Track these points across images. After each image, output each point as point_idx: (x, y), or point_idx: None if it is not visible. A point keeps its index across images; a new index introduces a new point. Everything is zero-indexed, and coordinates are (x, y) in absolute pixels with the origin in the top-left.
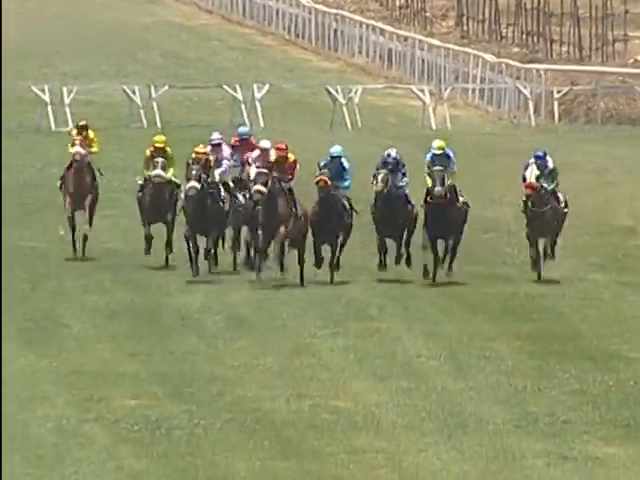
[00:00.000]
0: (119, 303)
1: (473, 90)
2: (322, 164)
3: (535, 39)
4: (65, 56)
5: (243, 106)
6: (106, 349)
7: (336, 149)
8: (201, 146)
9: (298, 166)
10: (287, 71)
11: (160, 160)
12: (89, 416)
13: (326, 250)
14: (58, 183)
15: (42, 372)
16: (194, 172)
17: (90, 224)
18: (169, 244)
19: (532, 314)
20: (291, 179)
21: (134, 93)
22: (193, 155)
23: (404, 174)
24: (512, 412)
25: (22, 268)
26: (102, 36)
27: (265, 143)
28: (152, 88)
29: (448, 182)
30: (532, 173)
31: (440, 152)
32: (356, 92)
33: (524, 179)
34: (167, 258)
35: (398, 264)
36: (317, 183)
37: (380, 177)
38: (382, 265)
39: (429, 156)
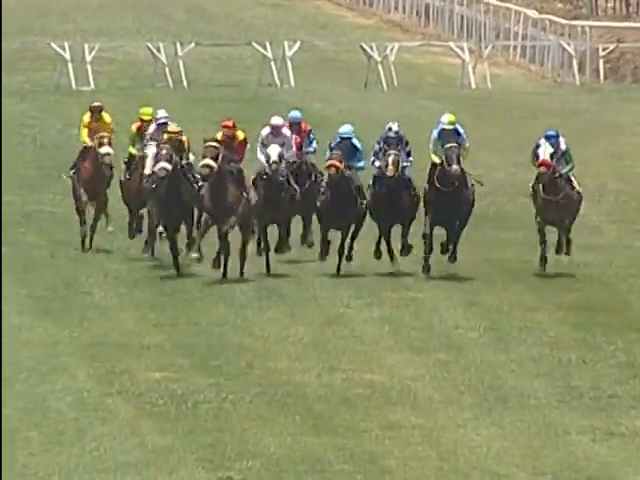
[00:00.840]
0: (142, 271)
1: (515, 48)
2: (332, 145)
3: None
4: (86, 12)
5: (273, 64)
6: (129, 319)
7: (346, 129)
8: (174, 125)
9: (249, 145)
10: (320, 28)
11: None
12: (111, 389)
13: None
14: (70, 172)
15: (62, 343)
16: (164, 152)
17: (108, 222)
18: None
19: (576, 283)
20: (240, 159)
21: (159, 51)
22: (165, 135)
23: (408, 153)
24: (555, 386)
25: (40, 234)
26: None
27: (276, 120)
28: (178, 45)
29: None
30: (546, 151)
31: (451, 127)
32: (392, 50)
33: (536, 157)
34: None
35: (406, 254)
36: (327, 168)
37: (391, 159)
38: (378, 252)
39: (436, 132)
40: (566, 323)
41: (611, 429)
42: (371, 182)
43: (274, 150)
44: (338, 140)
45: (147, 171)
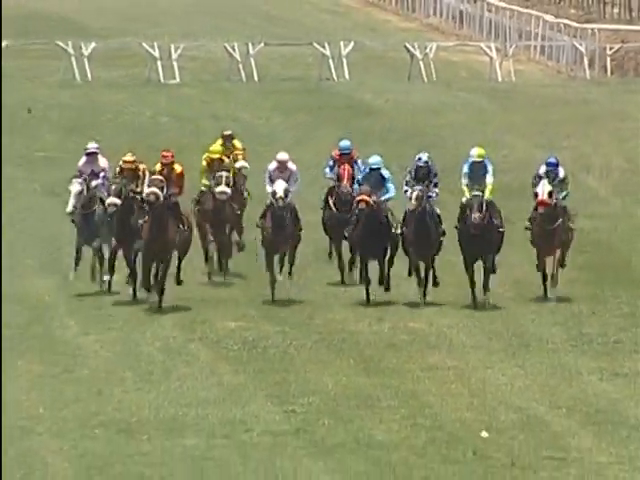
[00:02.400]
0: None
1: (535, 47)
2: (360, 177)
3: (590, 1)
4: (173, 17)
5: (331, 61)
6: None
7: (375, 160)
8: (129, 155)
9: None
10: (370, 30)
11: (224, 174)
12: (194, 336)
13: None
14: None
15: (152, 297)
16: (113, 187)
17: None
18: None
19: (586, 247)
20: (179, 192)
21: (234, 50)
22: (121, 164)
23: (436, 184)
24: (569, 333)
25: None
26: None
27: (282, 155)
28: (250, 45)
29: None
30: (544, 189)
31: (480, 160)
32: (431, 49)
33: (536, 195)
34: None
35: (436, 286)
36: (357, 203)
37: (415, 195)
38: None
39: (467, 166)
40: (578, 280)
41: (616, 370)
42: (403, 217)
43: (280, 186)
44: (367, 171)
45: (69, 209)
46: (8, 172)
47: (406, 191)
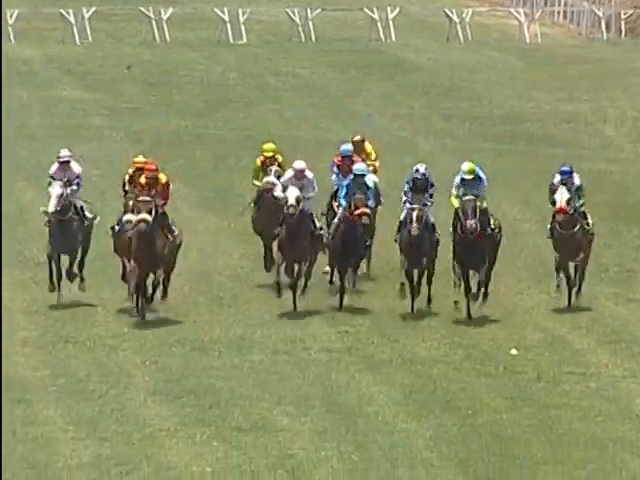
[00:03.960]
0: None
1: (558, 12)
2: (345, 183)
3: None
4: None
5: (379, 24)
6: None
7: (360, 167)
8: (140, 157)
9: (171, 186)
10: None
11: (274, 168)
12: (259, 265)
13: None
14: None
15: (223, 231)
16: (142, 207)
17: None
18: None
19: (603, 187)
20: (164, 203)
21: (294, 14)
22: (131, 170)
23: (431, 195)
24: (588, 263)
25: (206, 151)
26: None
27: (299, 164)
28: (308, 10)
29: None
30: (562, 197)
31: (470, 177)
32: (467, 13)
33: (553, 203)
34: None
35: (429, 303)
36: (359, 217)
37: (415, 215)
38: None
39: (458, 180)
40: (595, 216)
41: (629, 296)
42: (397, 226)
43: (292, 194)
44: (352, 177)
45: (51, 209)
46: (96, 122)
47: (405, 202)
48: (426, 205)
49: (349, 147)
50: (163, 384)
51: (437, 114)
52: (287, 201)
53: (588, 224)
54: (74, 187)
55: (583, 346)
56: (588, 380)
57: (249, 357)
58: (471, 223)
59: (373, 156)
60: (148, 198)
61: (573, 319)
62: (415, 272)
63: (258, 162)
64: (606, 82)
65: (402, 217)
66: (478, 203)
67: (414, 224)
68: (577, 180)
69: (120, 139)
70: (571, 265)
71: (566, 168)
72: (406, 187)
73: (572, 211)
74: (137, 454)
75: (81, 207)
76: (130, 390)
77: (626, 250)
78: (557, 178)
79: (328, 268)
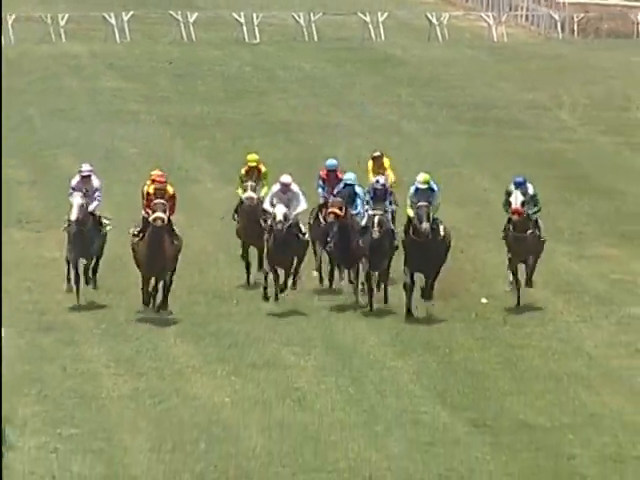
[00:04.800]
0: None
1: (521, 15)
2: (336, 191)
3: None
4: None
5: (370, 26)
6: None
7: (349, 176)
8: (157, 171)
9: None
10: (400, 4)
11: (249, 184)
12: None
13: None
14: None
15: None
16: (157, 207)
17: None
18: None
19: (557, 164)
20: (171, 214)
21: (299, 18)
22: (150, 184)
23: (391, 202)
24: (545, 224)
25: (225, 132)
26: None
27: (286, 178)
28: (311, 14)
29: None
30: (517, 199)
31: (425, 187)
32: (445, 17)
33: (508, 204)
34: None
35: (386, 303)
36: (329, 214)
37: (377, 220)
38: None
39: (413, 189)
40: (552, 187)
41: (581, 253)
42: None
43: (280, 210)
44: (342, 186)
45: (73, 217)
46: (133, 107)
47: (367, 210)
48: (386, 212)
49: (334, 162)
50: (190, 327)
51: (420, 101)
52: (275, 217)
53: (540, 230)
54: (95, 202)
55: (542, 296)
56: (546, 324)
57: (262, 305)
58: (425, 227)
59: (389, 173)
60: (163, 201)
61: (535, 274)
62: (375, 274)
63: (243, 171)
64: (562, 74)
65: (364, 223)
66: (431, 208)
67: (375, 227)
68: (531, 189)
69: (153, 122)
70: (520, 268)
71: (519, 179)
72: (367, 197)
73: (526, 215)
74: (168, 387)
75: (99, 217)
76: (162, 333)
77: (578, 215)
78: (511, 187)
79: (316, 273)
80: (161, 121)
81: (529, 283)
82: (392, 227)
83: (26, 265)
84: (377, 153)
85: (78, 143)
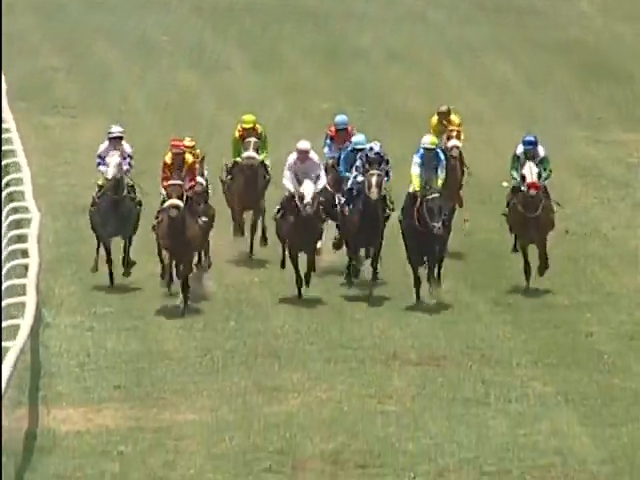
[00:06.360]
0: None
1: None
2: (342, 156)
3: None
4: None
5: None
6: None
7: (359, 139)
8: (188, 139)
9: (206, 168)
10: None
11: (252, 140)
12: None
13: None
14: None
15: (270, 88)
16: (172, 191)
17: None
18: (264, 233)
19: (578, 50)
20: (192, 186)
21: None
22: (170, 156)
23: (387, 172)
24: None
25: (255, 19)
26: None
27: (304, 144)
28: None
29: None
30: (532, 171)
31: (431, 147)
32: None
33: (523, 178)
34: (252, 245)
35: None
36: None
37: (374, 180)
38: (350, 277)
39: (418, 155)
40: (572, 74)
41: (598, 138)
42: (346, 197)
43: (308, 190)
44: (350, 149)
45: (110, 174)
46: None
47: (356, 176)
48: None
49: (344, 118)
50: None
51: None
52: (302, 197)
53: (549, 197)
54: (127, 167)
55: (560, 180)
56: (564, 207)
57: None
58: (438, 226)
59: (457, 126)
60: (178, 182)
61: (553, 158)
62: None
63: (236, 134)
64: None
65: (350, 185)
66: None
67: (374, 188)
68: (542, 151)
69: (186, 10)
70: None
71: (530, 138)
72: (358, 162)
73: (543, 187)
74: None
75: (132, 186)
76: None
77: (596, 101)
78: (520, 149)
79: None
80: (193, 9)
81: (542, 271)
82: (385, 193)
83: (62, 149)
84: (444, 107)
85: (111, 31)
